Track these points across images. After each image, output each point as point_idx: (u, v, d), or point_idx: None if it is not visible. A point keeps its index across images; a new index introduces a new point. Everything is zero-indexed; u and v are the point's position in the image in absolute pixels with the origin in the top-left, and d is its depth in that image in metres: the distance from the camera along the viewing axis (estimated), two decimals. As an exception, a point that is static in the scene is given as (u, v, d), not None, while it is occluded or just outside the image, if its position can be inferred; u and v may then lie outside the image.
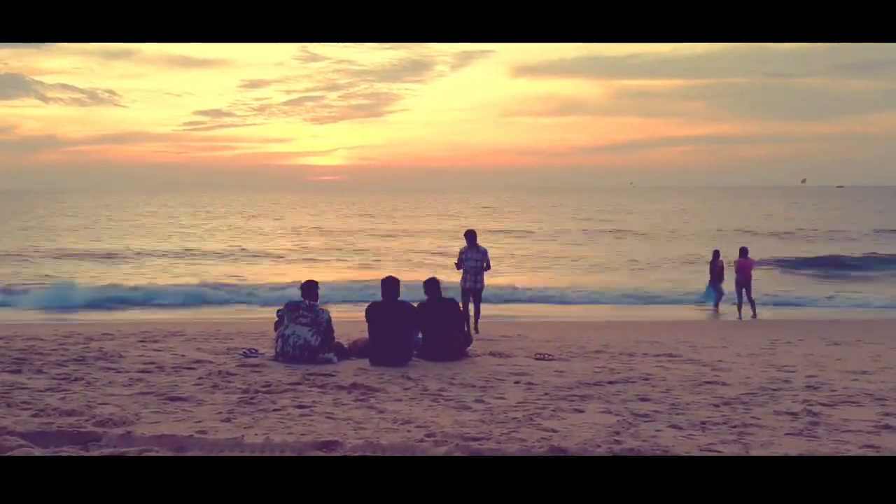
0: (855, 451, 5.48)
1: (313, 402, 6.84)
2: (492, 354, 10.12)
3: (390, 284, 9.46)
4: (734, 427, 6.08)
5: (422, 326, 9.45)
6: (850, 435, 5.92)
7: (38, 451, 5.05)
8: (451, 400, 7.04)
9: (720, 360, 9.91)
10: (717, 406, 6.88)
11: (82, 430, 5.59)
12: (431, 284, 9.82)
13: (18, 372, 8.15)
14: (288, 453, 5.19)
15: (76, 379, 7.78)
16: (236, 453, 5.19)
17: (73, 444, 5.32)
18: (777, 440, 5.72)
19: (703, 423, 6.22)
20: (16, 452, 5.00)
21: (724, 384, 8.01)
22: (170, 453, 5.12)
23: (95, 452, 5.14)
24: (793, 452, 5.37)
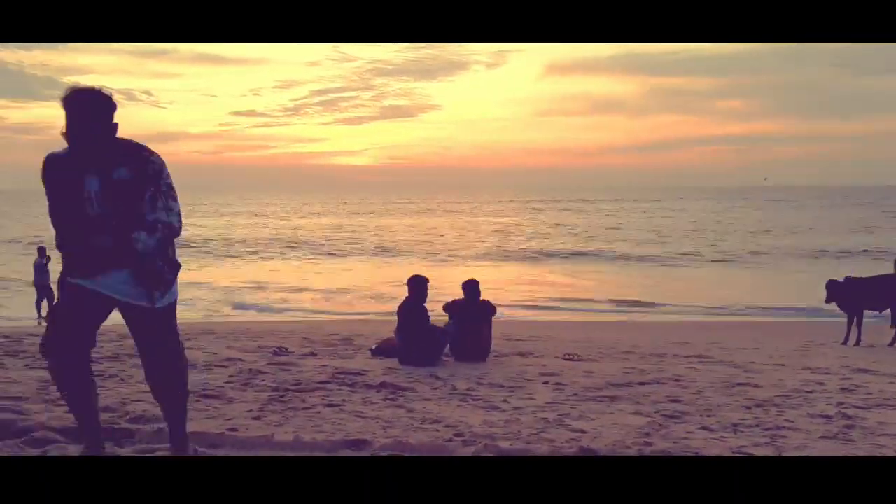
0: (891, 454, 5.38)
1: (343, 400, 6.87)
2: (520, 354, 10.10)
3: (418, 283, 9.48)
4: (767, 430, 6.00)
5: (453, 327, 9.46)
6: (887, 438, 5.81)
7: (73, 448, 5.13)
8: (479, 400, 7.03)
9: (752, 362, 9.79)
10: (749, 408, 6.80)
11: (116, 426, 5.67)
12: (471, 286, 9.79)
13: (54, 369, 8.28)
14: (317, 452, 5.22)
15: (110, 376, 7.90)
16: (266, 451, 5.23)
17: (107, 440, 5.39)
18: (811, 443, 5.63)
19: (735, 425, 6.14)
20: (51, 451, 5.09)
21: (756, 386, 7.91)
22: (204, 450, 5.17)
23: (128, 450, 5.21)
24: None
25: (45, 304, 17.93)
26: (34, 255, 18.90)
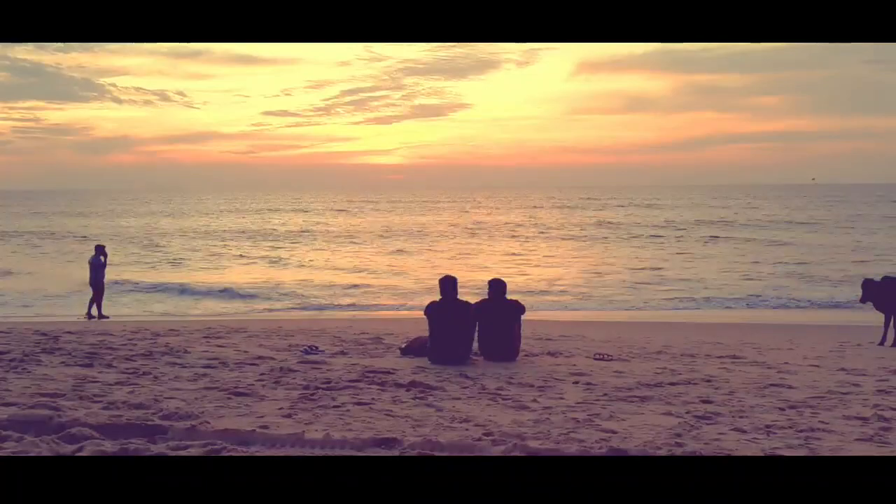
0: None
1: (372, 399, 6.90)
2: (550, 354, 10.07)
3: (449, 283, 9.48)
4: (801, 431, 5.92)
5: (481, 325, 9.44)
6: (925, 442, 5.69)
7: (108, 444, 5.22)
8: (509, 399, 7.02)
9: (786, 363, 9.66)
10: (782, 410, 6.71)
11: (149, 423, 5.76)
12: (496, 285, 9.77)
13: (90, 366, 8.44)
14: (347, 449, 5.25)
15: (144, 373, 8.02)
16: (297, 448, 5.27)
17: (141, 436, 5.48)
18: (846, 445, 5.54)
19: (768, 426, 6.07)
20: (86, 447, 5.18)
21: (790, 387, 7.80)
22: (235, 446, 5.22)
23: (161, 446, 5.28)
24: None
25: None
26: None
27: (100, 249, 18.48)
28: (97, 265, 17.97)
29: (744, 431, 5.91)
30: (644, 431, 5.85)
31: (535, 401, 6.95)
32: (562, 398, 7.11)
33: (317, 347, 10.09)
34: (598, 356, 9.88)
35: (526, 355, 9.73)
